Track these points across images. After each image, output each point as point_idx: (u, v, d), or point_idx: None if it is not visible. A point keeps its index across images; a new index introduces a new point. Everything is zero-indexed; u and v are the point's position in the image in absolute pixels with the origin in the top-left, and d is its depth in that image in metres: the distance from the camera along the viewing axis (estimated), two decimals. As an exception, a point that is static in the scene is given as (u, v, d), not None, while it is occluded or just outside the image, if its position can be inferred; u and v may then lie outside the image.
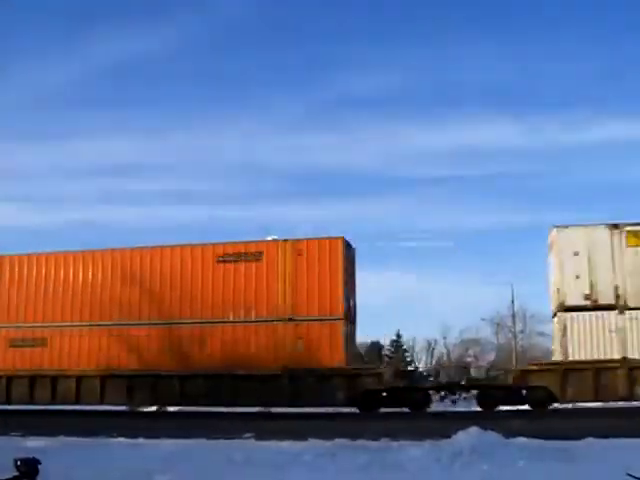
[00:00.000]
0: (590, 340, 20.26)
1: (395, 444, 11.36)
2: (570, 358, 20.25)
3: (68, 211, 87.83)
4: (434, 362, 56.58)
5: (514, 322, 53.52)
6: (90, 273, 23.13)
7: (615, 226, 20.82)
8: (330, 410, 21.98)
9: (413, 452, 10.29)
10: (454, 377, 22.78)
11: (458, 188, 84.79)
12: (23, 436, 13.14)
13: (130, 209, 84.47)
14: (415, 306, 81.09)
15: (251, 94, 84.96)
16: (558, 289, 20.94)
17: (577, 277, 20.65)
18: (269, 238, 22.64)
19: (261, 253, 21.88)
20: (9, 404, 22.53)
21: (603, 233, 20.76)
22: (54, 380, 22.54)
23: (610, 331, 20.10)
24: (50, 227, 79.97)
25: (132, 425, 16.40)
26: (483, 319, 56.31)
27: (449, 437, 10.81)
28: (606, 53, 79.38)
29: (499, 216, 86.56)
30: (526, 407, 20.32)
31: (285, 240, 21.87)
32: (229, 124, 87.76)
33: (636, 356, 19.65)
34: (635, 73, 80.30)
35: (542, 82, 79.46)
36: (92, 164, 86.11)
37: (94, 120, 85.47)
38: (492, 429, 10.91)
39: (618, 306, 20.23)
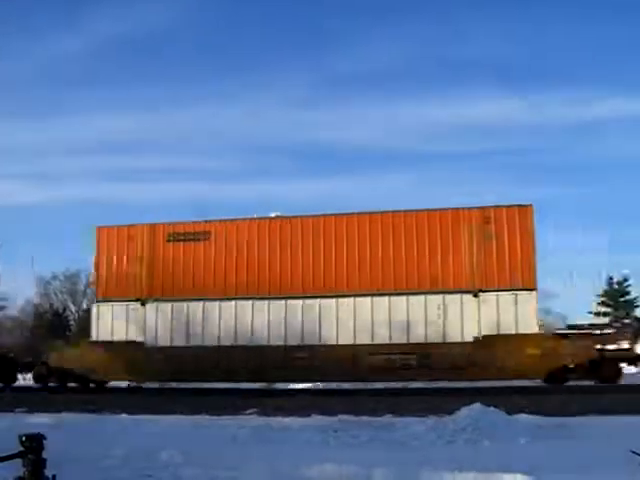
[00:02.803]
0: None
1: (398, 420, 11.39)
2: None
3: (69, 188, 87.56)
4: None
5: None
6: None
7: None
8: (333, 386, 22.24)
9: (416, 428, 10.31)
10: None
11: (458, 163, 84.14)
12: (29, 412, 13.23)
13: (131, 186, 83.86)
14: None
15: (254, 70, 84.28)
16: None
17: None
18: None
19: None
20: None
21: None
22: None
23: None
24: (50, 204, 79.58)
25: (135, 401, 16.51)
26: None
27: (452, 413, 10.83)
28: (609, 30, 78.30)
29: (500, 193, 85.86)
30: None
31: None
32: (231, 101, 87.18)
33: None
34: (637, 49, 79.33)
35: (545, 58, 78.50)
36: (94, 141, 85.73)
37: (95, 96, 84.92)
38: (495, 406, 10.92)
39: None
